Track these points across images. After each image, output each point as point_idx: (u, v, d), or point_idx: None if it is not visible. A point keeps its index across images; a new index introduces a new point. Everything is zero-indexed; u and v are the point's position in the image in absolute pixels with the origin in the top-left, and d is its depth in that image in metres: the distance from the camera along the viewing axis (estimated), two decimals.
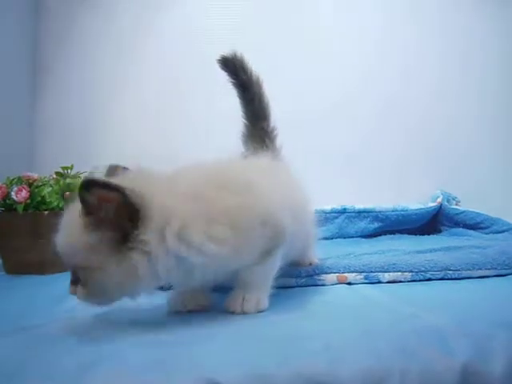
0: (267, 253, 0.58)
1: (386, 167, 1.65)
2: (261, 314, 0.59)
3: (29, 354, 0.44)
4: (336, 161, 1.59)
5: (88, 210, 0.50)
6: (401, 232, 1.46)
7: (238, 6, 1.69)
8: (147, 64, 1.69)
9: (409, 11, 1.71)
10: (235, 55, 0.85)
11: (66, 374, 0.40)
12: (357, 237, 1.43)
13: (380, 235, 1.44)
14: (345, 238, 1.42)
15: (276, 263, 0.62)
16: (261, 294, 0.61)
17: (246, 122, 0.86)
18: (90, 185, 0.48)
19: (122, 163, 0.66)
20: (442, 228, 1.50)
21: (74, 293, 0.53)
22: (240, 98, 0.86)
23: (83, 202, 0.49)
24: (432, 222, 1.51)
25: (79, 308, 0.64)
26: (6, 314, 0.64)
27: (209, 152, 0.62)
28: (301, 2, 1.71)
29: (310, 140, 1.59)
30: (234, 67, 0.85)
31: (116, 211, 0.50)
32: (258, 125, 0.84)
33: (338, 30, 1.71)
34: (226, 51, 0.87)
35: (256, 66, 0.87)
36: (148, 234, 0.50)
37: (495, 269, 0.81)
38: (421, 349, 0.42)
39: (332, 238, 1.41)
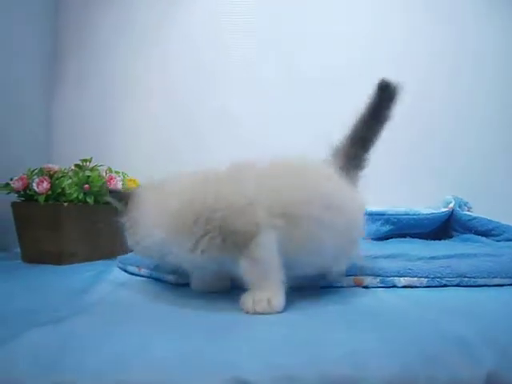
0: (235, 246, 0.62)
1: (397, 170, 1.65)
2: (280, 314, 0.60)
3: (65, 345, 0.45)
4: None
5: None
6: (412, 236, 1.47)
7: None
8: (170, 56, 1.71)
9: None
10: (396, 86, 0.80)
11: (103, 364, 0.41)
12: (368, 239, 1.44)
13: (391, 238, 1.45)
14: None
15: (267, 259, 0.62)
16: (271, 294, 0.61)
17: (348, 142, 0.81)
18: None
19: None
20: (453, 233, 1.50)
21: None
22: (362, 120, 0.82)
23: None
24: (443, 227, 1.51)
25: (107, 299, 0.66)
26: (34, 304, 0.65)
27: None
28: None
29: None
30: (389, 95, 0.81)
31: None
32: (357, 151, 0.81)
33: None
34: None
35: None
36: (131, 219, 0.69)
37: (511, 277, 0.81)
38: (446, 356, 0.43)
39: None
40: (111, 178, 1.09)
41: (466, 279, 0.80)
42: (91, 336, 0.49)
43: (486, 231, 1.40)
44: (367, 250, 1.05)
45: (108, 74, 1.69)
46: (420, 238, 1.46)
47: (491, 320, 0.55)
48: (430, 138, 1.68)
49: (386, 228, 1.44)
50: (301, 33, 1.72)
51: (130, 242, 0.71)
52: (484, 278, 0.80)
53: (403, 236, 1.46)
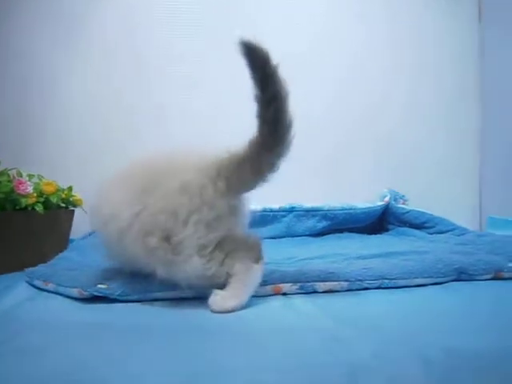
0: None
1: (334, 166, 1.64)
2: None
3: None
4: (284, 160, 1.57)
5: None
6: (350, 230, 1.46)
7: None
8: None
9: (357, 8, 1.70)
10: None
11: None
12: (305, 235, 1.42)
13: (329, 233, 1.44)
14: (293, 236, 1.41)
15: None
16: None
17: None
18: None
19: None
20: (389, 227, 1.51)
21: None
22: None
23: None
24: (380, 221, 1.52)
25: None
26: None
27: None
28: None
29: None
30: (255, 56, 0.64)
31: None
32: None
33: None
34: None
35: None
36: None
37: (432, 277, 0.80)
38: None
39: (280, 237, 1.39)
40: (20, 183, 1.00)
41: (387, 281, 0.78)
42: None
43: (420, 224, 1.41)
44: (292, 253, 1.03)
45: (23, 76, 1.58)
46: (358, 232, 1.46)
47: (381, 340, 0.50)
48: (366, 132, 1.67)
49: (323, 224, 1.43)
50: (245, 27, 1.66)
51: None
52: (405, 279, 0.79)
53: (340, 231, 1.45)
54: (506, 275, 0.81)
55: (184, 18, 1.64)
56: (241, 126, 1.57)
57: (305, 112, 1.64)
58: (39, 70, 1.58)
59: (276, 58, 0.64)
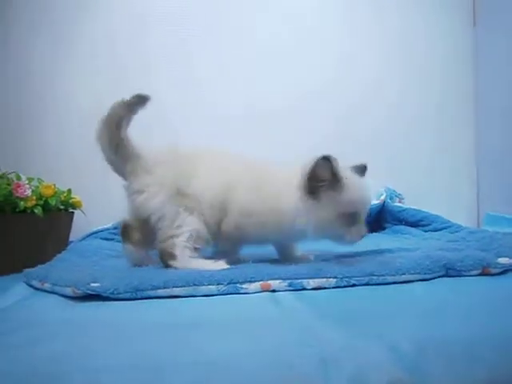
0: None
1: None
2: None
3: None
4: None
5: None
6: None
7: None
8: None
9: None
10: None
11: None
12: None
13: None
14: None
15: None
16: None
17: None
18: None
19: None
20: (386, 225, 1.52)
21: None
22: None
23: None
24: (377, 219, 1.53)
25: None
26: None
27: None
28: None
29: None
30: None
31: None
32: None
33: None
34: None
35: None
36: None
37: (419, 273, 0.81)
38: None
39: None
40: (18, 186, 1.03)
41: (375, 277, 0.79)
42: None
43: (416, 222, 1.42)
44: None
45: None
46: None
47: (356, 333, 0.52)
48: (360, 130, 1.69)
49: None
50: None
51: None
52: (392, 275, 0.80)
53: None
54: (494, 271, 0.82)
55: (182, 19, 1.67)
56: (241, 126, 1.62)
57: (295, 110, 1.67)
58: (38, 72, 1.61)
59: None
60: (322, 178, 0.84)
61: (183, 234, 0.88)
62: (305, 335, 0.49)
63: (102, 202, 1.43)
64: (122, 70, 1.64)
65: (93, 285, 0.74)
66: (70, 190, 1.27)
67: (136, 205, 0.92)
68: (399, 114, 1.71)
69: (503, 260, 0.84)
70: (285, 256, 1.02)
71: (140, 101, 0.94)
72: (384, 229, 1.50)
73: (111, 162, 0.95)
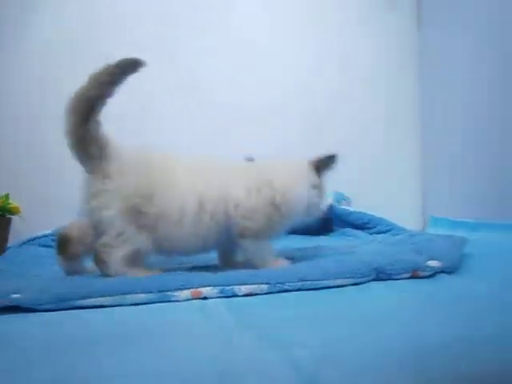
0: None
1: None
2: None
3: None
4: None
5: None
6: (294, 232, 1.48)
7: None
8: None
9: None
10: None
11: None
12: None
13: None
14: None
15: None
16: None
17: None
18: None
19: None
20: (335, 228, 1.54)
21: None
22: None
23: None
24: (325, 222, 1.54)
25: None
26: None
27: None
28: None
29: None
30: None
31: None
32: None
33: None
34: None
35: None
36: None
37: (352, 277, 0.82)
38: None
39: None
40: None
41: (309, 282, 0.80)
42: None
43: (362, 224, 1.45)
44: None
45: None
46: (303, 233, 1.48)
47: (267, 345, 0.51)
48: (310, 137, 1.70)
49: None
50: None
51: None
52: (325, 280, 0.81)
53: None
54: (422, 274, 0.84)
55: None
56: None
57: (255, 110, 1.68)
58: None
59: None
60: None
61: (124, 248, 0.85)
62: (216, 348, 0.48)
63: (42, 207, 1.38)
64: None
65: (13, 296, 0.71)
66: (7, 195, 1.22)
67: (87, 207, 0.86)
68: (345, 121, 1.74)
69: (432, 263, 0.86)
70: (225, 261, 1.01)
71: (126, 69, 0.82)
72: (332, 231, 1.52)
73: (73, 148, 0.84)
